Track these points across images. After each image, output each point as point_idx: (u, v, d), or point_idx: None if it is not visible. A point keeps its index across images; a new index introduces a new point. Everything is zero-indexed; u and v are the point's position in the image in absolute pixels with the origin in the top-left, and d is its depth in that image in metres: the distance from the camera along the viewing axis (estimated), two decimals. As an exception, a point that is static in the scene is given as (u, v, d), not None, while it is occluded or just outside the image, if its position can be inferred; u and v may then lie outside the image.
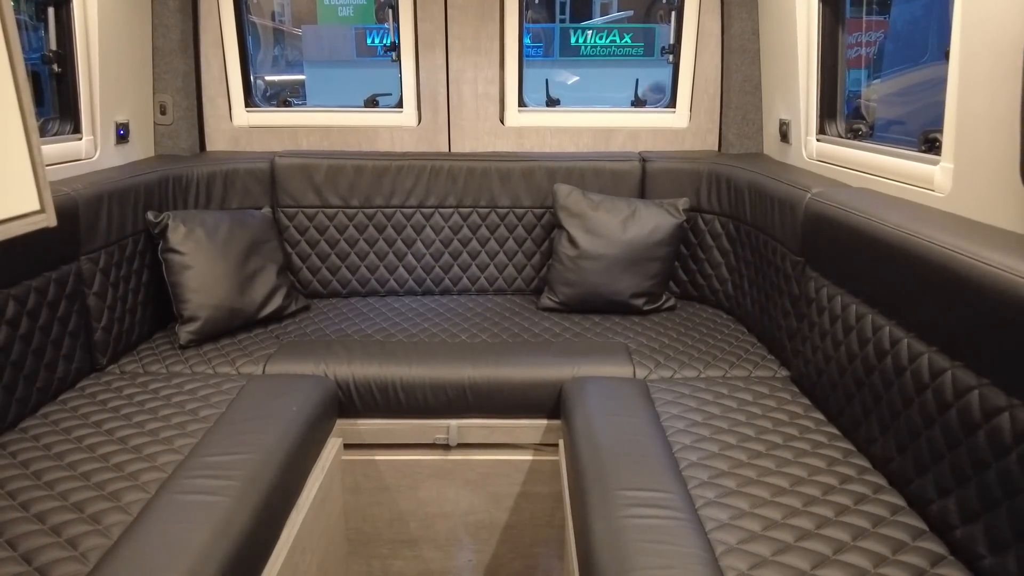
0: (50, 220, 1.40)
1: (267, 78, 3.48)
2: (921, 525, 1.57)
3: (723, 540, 1.53)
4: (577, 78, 9.90)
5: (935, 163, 1.92)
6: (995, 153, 1.63)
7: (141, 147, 3.01)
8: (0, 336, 1.94)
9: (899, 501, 1.66)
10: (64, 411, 2.09)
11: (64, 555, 1.48)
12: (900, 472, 1.68)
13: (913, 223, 1.72)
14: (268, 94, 3.72)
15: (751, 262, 2.70)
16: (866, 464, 1.82)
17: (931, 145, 1.98)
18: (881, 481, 1.74)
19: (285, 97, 3.45)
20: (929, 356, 1.58)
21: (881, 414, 1.76)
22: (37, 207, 1.34)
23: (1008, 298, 1.33)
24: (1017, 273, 1.33)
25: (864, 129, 2.49)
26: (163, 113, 3.08)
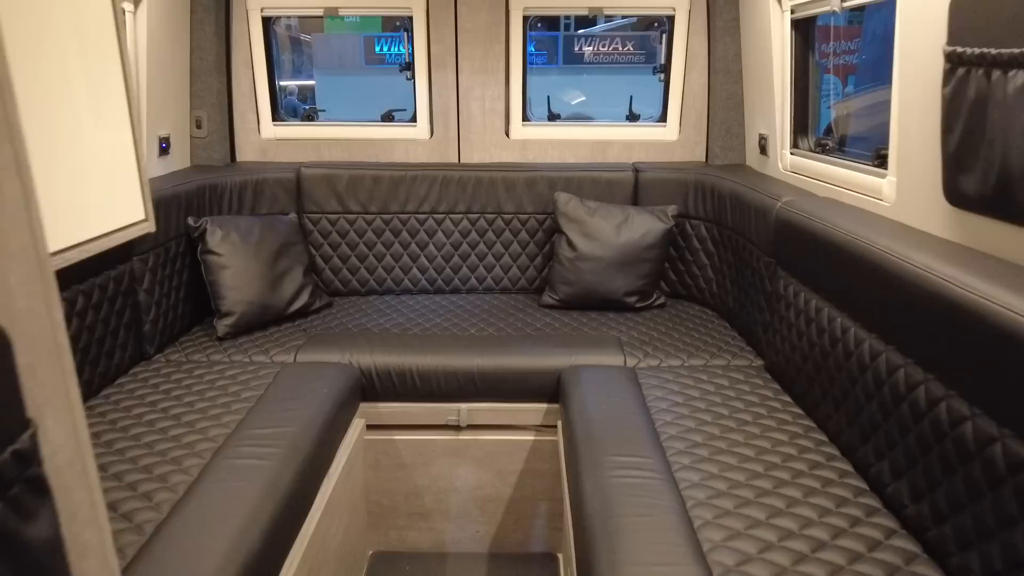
0: (151, 227, 1.69)
1: (279, 83, 3.75)
2: (863, 485, 1.85)
3: (694, 496, 1.82)
4: (583, 98, 10.28)
5: (883, 176, 2.20)
6: (927, 170, 1.91)
7: (179, 158, 3.31)
8: (72, 327, 2.24)
9: (847, 467, 1.94)
10: (122, 393, 2.38)
11: (141, 505, 1.77)
12: (850, 443, 1.96)
13: (861, 229, 2.00)
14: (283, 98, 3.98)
15: (732, 263, 2.98)
16: (823, 437, 2.09)
17: (882, 160, 2.26)
18: (834, 451, 2.02)
19: (308, 112, 3.74)
20: (870, 343, 1.87)
21: (835, 394, 2.04)
22: (143, 216, 1.63)
23: (928, 293, 1.62)
24: (934, 272, 1.61)
25: (831, 144, 2.77)
26: (199, 127, 3.38)
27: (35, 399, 0.84)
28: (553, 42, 13.73)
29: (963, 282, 1.52)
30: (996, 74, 1.48)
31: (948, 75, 1.66)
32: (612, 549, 1.63)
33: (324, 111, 3.79)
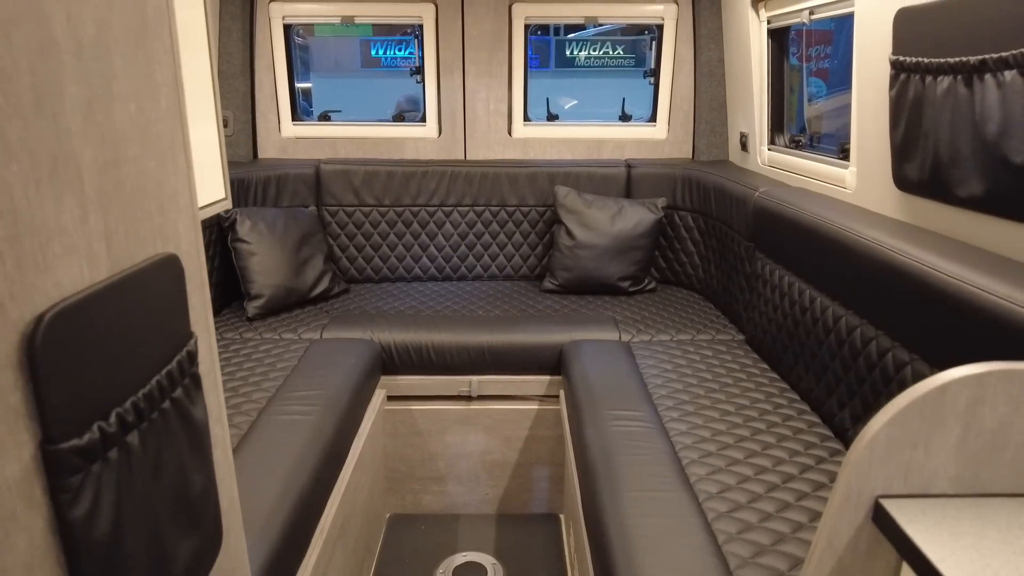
0: (229, 204, 1.96)
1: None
2: (828, 432, 2.15)
3: (682, 441, 2.11)
4: (575, 102, 10.63)
5: (846, 167, 2.51)
6: (881, 161, 2.21)
7: (207, 155, 3.57)
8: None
9: (816, 419, 2.24)
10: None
11: (205, 451, 2.04)
12: (817, 398, 2.25)
13: (825, 212, 2.30)
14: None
15: (716, 249, 3.28)
16: (795, 396, 2.39)
17: (845, 153, 2.57)
18: (804, 407, 2.32)
19: (325, 112, 4.01)
20: (832, 309, 2.17)
21: (804, 356, 2.34)
22: (223, 195, 1.89)
23: (877, 262, 1.92)
24: (881, 243, 1.92)
25: (803, 141, 3.08)
26: (226, 126, 3.65)
27: (192, 317, 1.13)
28: (546, 46, 14.05)
29: (903, 250, 1.82)
30: (928, 79, 1.78)
31: (893, 79, 1.96)
32: (612, 481, 1.92)
33: (340, 111, 4.05)
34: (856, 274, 2.03)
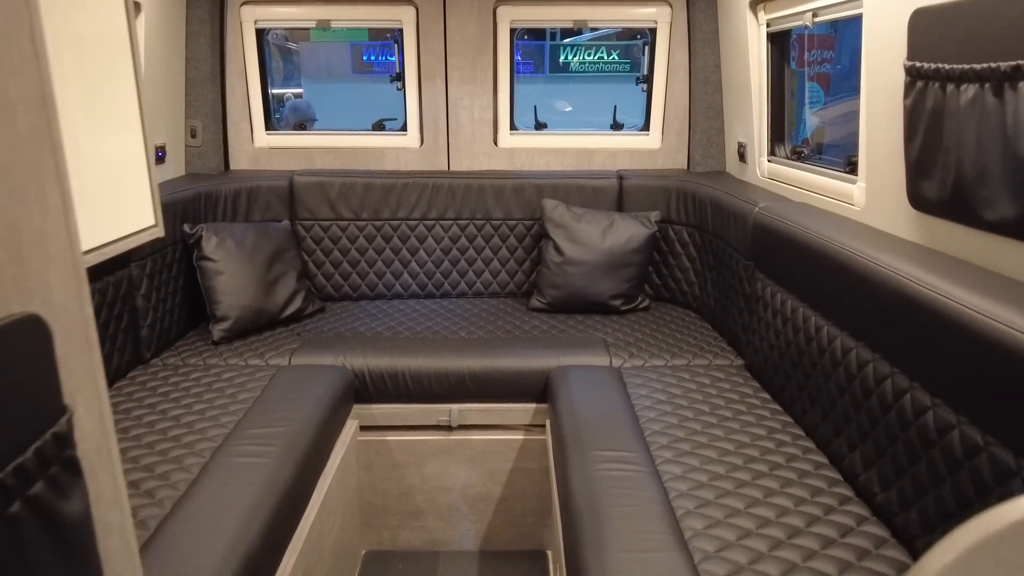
0: (161, 232, 1.77)
1: (280, 91, 3.85)
2: (838, 476, 1.95)
3: (676, 487, 1.91)
4: (570, 108, 10.56)
5: (854, 182, 2.31)
6: (893, 176, 2.02)
7: (174, 167, 3.37)
8: (72, 330, 2.30)
9: (823, 459, 2.04)
10: (120, 396, 2.44)
11: (145, 502, 1.83)
12: (825, 437, 2.05)
13: (831, 232, 2.11)
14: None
15: (713, 267, 3.09)
16: (800, 432, 2.19)
17: (852, 167, 2.38)
18: (810, 444, 2.12)
19: (300, 120, 3.82)
20: (841, 340, 1.97)
21: (809, 389, 2.14)
22: (153, 222, 1.70)
23: (892, 290, 1.72)
24: (896, 271, 1.72)
25: (806, 152, 2.89)
26: (194, 136, 3.45)
27: (69, 387, 0.92)
28: (540, 52, 13.89)
29: (923, 280, 1.62)
30: (950, 87, 1.59)
31: (908, 87, 1.77)
32: (599, 537, 1.71)
33: (316, 120, 3.86)
34: (868, 303, 1.83)
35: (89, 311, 0.95)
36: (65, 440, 0.86)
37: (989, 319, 1.39)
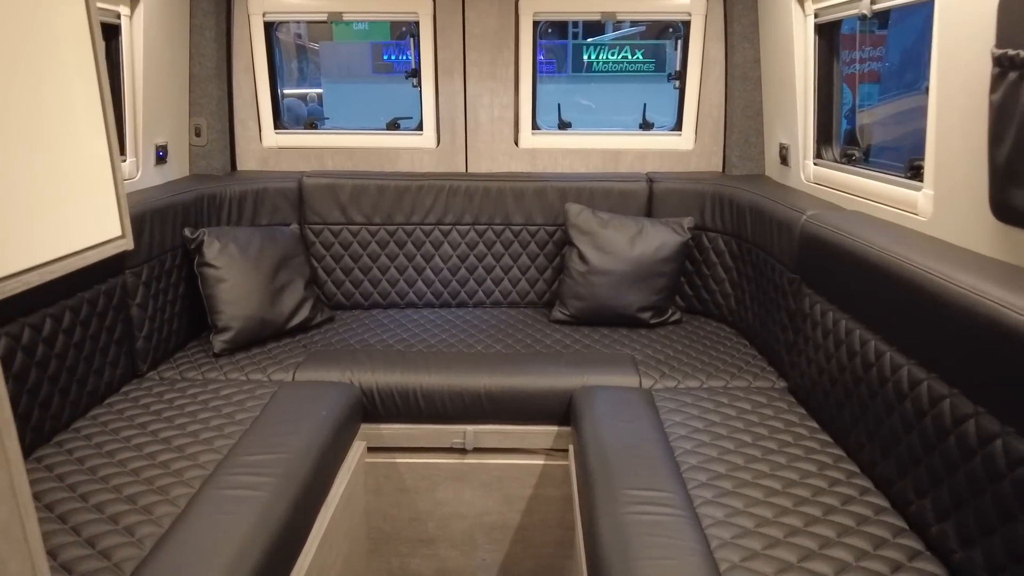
0: (129, 244, 1.58)
1: (287, 91, 3.67)
2: (902, 524, 1.71)
3: (718, 535, 1.68)
4: (592, 105, 10.42)
5: (918, 189, 2.06)
6: (970, 183, 1.77)
7: (178, 167, 3.21)
8: (57, 343, 2.12)
9: (883, 502, 1.80)
10: (111, 414, 2.27)
11: (123, 540, 1.64)
12: (884, 476, 1.81)
13: (896, 246, 1.86)
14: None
15: (752, 278, 2.85)
16: (854, 468, 1.95)
17: (916, 172, 2.13)
18: (867, 484, 1.88)
19: (312, 119, 3.64)
20: (908, 369, 1.73)
21: (867, 422, 1.90)
22: (119, 233, 1.51)
23: (974, 317, 1.48)
24: (982, 294, 1.48)
25: (857, 155, 2.64)
26: (198, 135, 3.28)
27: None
28: (563, 50, 13.67)
29: (1010, 303, 1.38)
30: (1055, 79, 1.35)
31: (997, 80, 1.52)
32: (631, 596, 1.50)
33: (328, 119, 3.68)
34: (941, 328, 1.59)
35: None
36: None
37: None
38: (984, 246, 1.75)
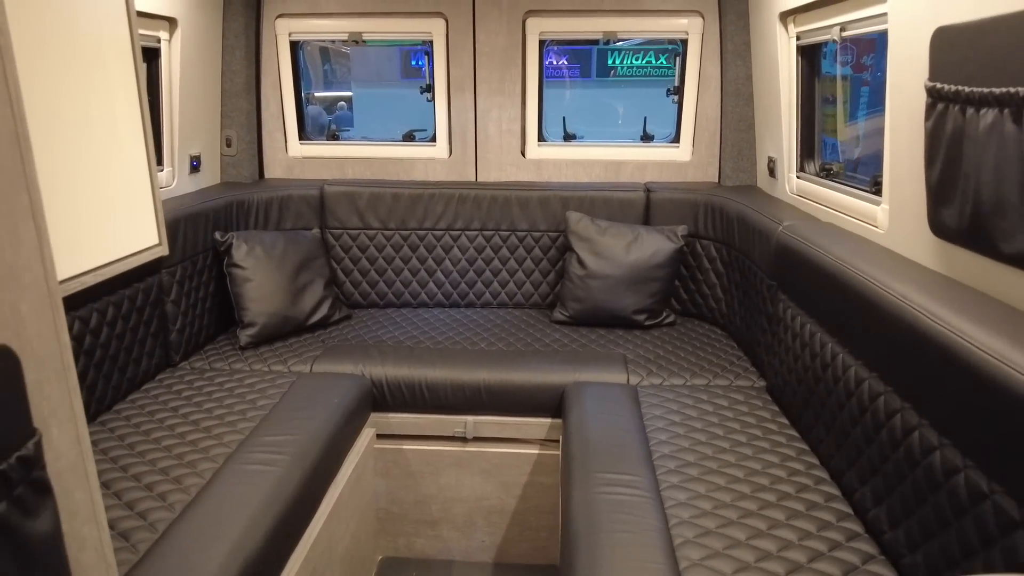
0: (164, 250, 1.83)
1: (316, 94, 3.93)
2: (848, 509, 1.88)
3: (677, 515, 1.87)
4: (621, 109, 10.58)
5: (878, 203, 2.23)
6: (916, 200, 1.94)
7: (210, 175, 3.49)
8: (102, 334, 2.40)
9: (835, 491, 1.97)
10: (147, 398, 2.54)
11: (156, 505, 1.90)
12: (837, 467, 1.98)
13: (850, 256, 2.03)
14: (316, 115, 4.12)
15: (739, 284, 3.02)
16: (814, 460, 2.12)
17: (879, 187, 2.29)
18: (824, 475, 2.05)
19: (335, 131, 3.89)
20: (855, 369, 1.90)
21: (824, 417, 2.07)
22: (157, 241, 1.76)
23: (904, 322, 1.65)
24: (908, 302, 1.65)
25: (835, 169, 2.79)
26: (229, 146, 3.56)
27: (42, 411, 0.97)
28: (587, 56, 13.80)
29: (932, 312, 1.55)
30: (970, 111, 1.52)
31: (929, 109, 1.69)
32: (592, 564, 1.70)
33: (348, 130, 3.93)
34: (881, 334, 1.76)
35: (64, 338, 0.99)
36: (32, 462, 0.90)
37: (996, 360, 1.32)
38: (926, 258, 1.92)
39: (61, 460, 0.99)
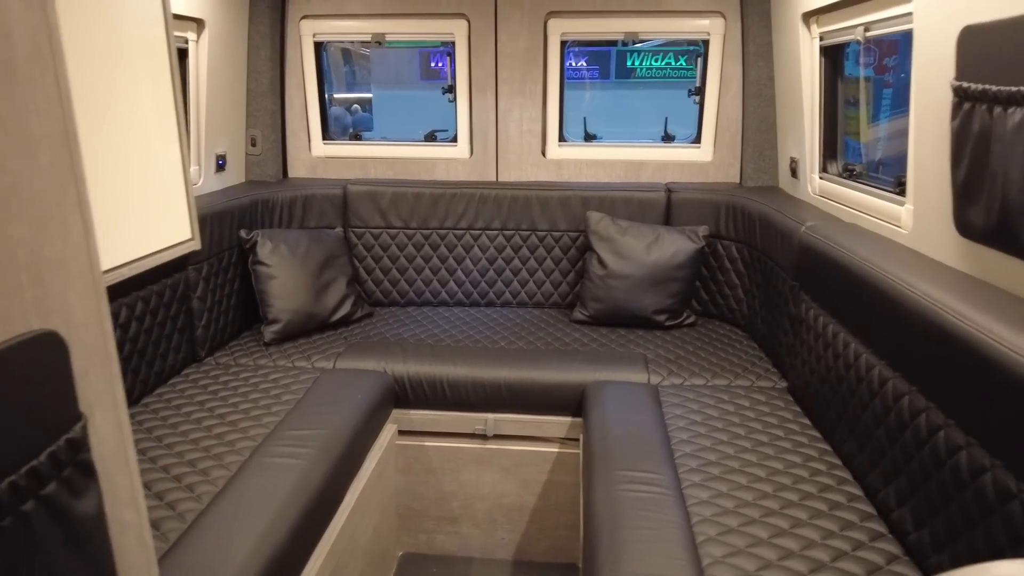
0: (197, 245, 1.87)
1: (336, 95, 3.97)
2: (871, 510, 1.88)
3: (700, 512, 1.88)
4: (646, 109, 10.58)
5: (902, 204, 2.22)
6: (941, 200, 1.93)
7: (235, 174, 3.54)
8: (131, 329, 2.45)
9: (857, 491, 1.96)
10: (173, 392, 2.58)
11: (184, 496, 1.94)
12: (860, 467, 1.98)
13: (874, 256, 2.03)
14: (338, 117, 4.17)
15: (761, 284, 3.01)
16: (836, 461, 2.12)
17: (902, 188, 2.28)
18: (846, 475, 2.04)
19: (357, 131, 3.94)
20: (879, 369, 1.89)
21: (847, 419, 2.07)
22: (190, 236, 1.81)
23: (928, 322, 1.65)
24: (933, 301, 1.65)
25: (858, 169, 2.78)
26: (254, 145, 3.61)
27: (87, 397, 1.00)
28: (606, 57, 13.80)
29: (958, 312, 1.55)
30: (997, 110, 1.52)
31: (955, 109, 1.69)
32: (615, 560, 1.71)
33: (369, 131, 3.98)
34: (906, 333, 1.76)
35: (108, 327, 1.02)
36: (79, 445, 0.93)
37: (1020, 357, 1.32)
38: (951, 258, 1.91)
39: (104, 446, 1.03)
